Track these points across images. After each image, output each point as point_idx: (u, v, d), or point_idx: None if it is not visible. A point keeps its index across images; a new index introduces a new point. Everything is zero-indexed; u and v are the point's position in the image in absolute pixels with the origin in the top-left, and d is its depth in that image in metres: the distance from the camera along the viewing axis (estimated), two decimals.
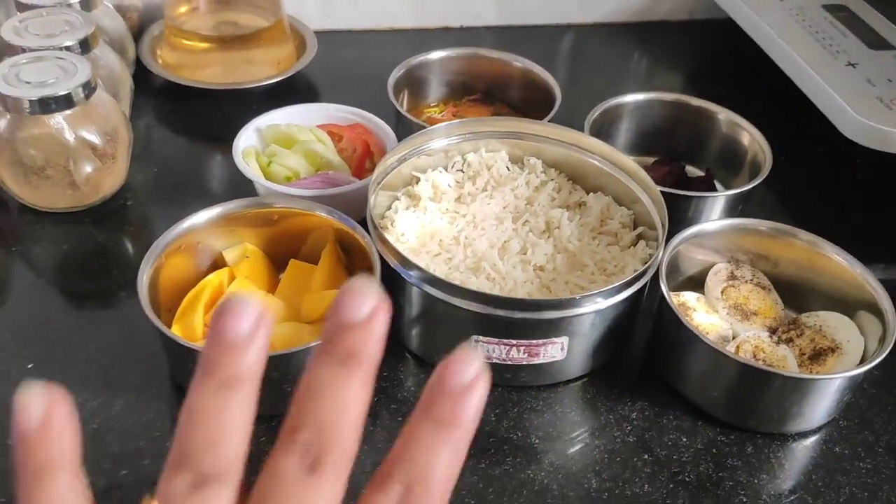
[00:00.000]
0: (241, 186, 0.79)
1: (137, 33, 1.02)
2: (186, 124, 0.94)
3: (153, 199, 0.83)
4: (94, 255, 0.76)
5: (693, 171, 0.90)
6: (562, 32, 1.18)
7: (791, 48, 0.96)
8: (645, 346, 0.72)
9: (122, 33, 0.94)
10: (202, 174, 0.87)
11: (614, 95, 0.88)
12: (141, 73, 0.96)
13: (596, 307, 0.63)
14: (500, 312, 0.62)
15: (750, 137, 0.84)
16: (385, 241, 0.66)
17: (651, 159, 0.91)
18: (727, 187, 0.88)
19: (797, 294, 0.73)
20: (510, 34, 1.16)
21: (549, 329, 0.63)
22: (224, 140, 0.83)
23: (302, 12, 1.08)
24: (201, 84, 0.94)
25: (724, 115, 0.86)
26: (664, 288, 0.66)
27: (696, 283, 0.75)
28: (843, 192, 0.92)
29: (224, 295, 0.67)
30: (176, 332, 0.64)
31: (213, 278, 0.68)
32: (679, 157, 0.90)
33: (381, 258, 0.66)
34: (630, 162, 0.75)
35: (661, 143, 0.91)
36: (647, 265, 0.65)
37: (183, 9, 0.99)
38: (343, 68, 1.06)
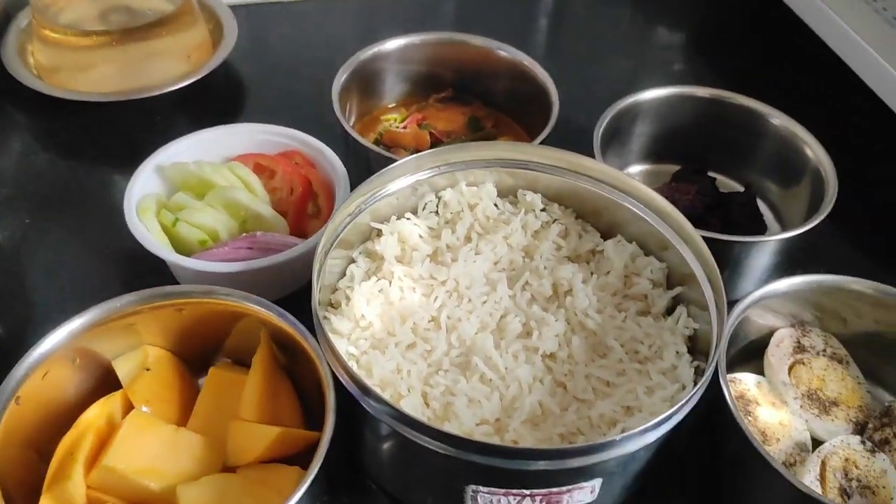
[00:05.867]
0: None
1: (3, 22, 0.78)
2: (71, 148, 0.72)
3: (24, 268, 0.62)
4: None
5: (725, 181, 0.71)
6: None
7: (840, 18, 0.76)
8: (696, 452, 0.55)
9: None
10: (93, 220, 0.65)
11: (621, 82, 0.68)
12: (7, 80, 0.74)
13: (640, 444, 0.45)
14: (508, 465, 0.43)
15: (813, 154, 0.64)
16: (337, 355, 0.46)
17: (671, 167, 0.72)
18: (773, 206, 0.69)
19: (878, 358, 0.57)
20: None
21: (576, 475, 0.45)
22: (125, 165, 0.62)
23: None
24: (85, 96, 0.72)
25: (780, 121, 0.66)
26: (727, 394, 0.48)
27: (752, 350, 0.58)
28: None
29: (118, 437, 0.47)
30: None
31: (96, 416, 0.48)
32: (705, 164, 0.71)
33: (334, 372, 0.47)
34: (662, 200, 0.56)
35: (684, 147, 0.71)
36: (699, 382, 0.46)
37: None
38: (273, 57, 0.84)
